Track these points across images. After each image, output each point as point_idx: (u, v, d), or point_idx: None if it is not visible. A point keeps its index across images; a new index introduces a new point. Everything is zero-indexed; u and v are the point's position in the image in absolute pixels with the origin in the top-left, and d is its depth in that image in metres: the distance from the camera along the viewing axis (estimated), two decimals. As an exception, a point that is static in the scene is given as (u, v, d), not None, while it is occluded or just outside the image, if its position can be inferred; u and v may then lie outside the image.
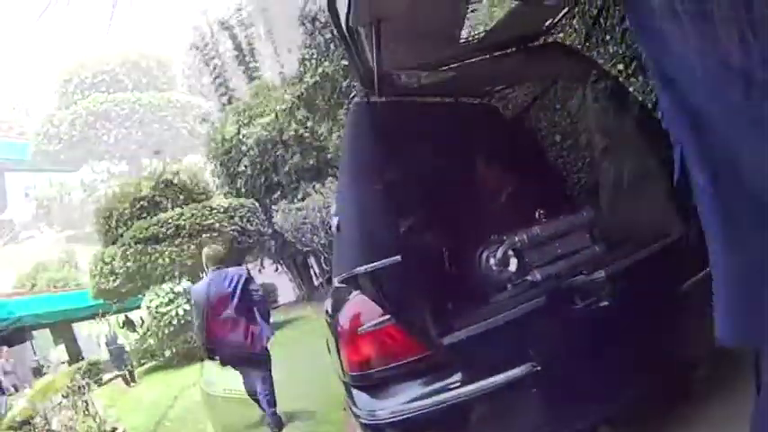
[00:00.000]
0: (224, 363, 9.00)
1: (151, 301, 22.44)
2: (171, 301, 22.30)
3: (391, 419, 3.55)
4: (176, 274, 23.07)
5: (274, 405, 8.74)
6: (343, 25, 3.76)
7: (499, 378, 3.47)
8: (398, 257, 3.36)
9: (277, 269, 34.00)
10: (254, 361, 8.69)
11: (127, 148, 21.74)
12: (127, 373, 22.93)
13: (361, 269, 3.50)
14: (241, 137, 29.55)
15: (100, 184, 20.84)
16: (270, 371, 8.83)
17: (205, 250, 9.47)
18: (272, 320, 9.63)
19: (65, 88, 24.34)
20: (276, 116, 25.56)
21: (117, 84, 23.96)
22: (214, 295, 8.57)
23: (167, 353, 22.93)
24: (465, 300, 4.05)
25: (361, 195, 3.76)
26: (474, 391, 3.47)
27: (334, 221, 4.13)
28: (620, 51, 6.39)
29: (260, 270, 30.36)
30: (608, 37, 6.53)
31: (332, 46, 15.61)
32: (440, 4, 4.01)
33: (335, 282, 4.57)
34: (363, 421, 3.72)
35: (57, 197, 48.85)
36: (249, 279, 8.82)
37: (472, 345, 3.55)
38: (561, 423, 3.76)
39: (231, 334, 8.56)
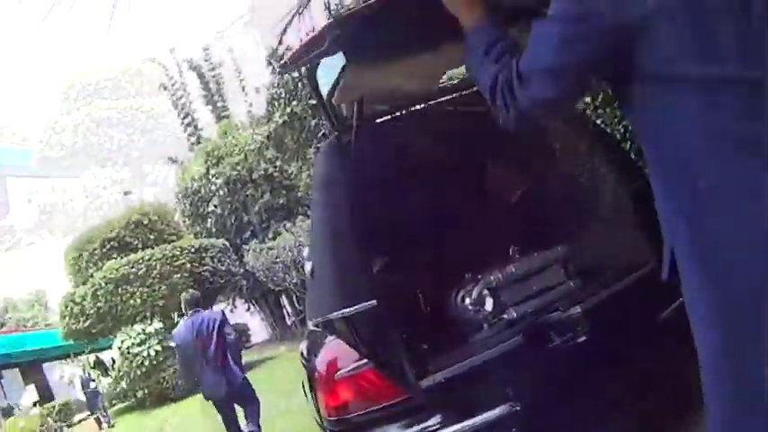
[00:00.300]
0: (206, 398, 9.73)
1: (123, 341, 22.25)
2: (143, 341, 22.11)
3: (371, 465, 3.52)
4: (148, 314, 22.93)
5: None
6: (324, 96, 3.79)
7: (478, 419, 3.44)
8: (374, 302, 3.33)
9: (249, 308, 33.79)
10: (234, 396, 9.49)
11: (129, 154, 21.34)
12: (100, 415, 22.54)
13: (337, 314, 3.47)
14: (210, 177, 29.47)
15: (102, 191, 20.60)
16: (254, 405, 9.72)
17: (183, 295, 10.16)
18: (244, 360, 10.72)
19: (67, 95, 23.81)
20: (245, 156, 25.59)
21: (119, 90, 23.53)
22: (196, 337, 9.28)
23: (139, 394, 22.64)
24: (442, 341, 4.03)
25: (333, 239, 3.74)
26: (454, 434, 3.43)
27: (308, 266, 4.10)
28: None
29: (232, 310, 30.17)
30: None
31: (300, 85, 15.62)
32: (422, 69, 4.04)
33: (310, 325, 4.53)
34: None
35: (59, 203, 47.86)
36: (224, 321, 9.64)
37: (450, 386, 3.52)
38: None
39: (209, 374, 9.33)
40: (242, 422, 9.87)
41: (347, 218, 3.59)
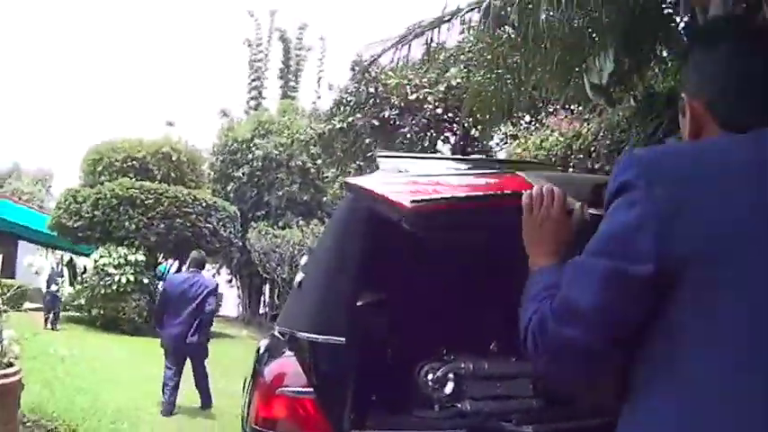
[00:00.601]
0: (163, 345, 10.68)
1: (101, 256, 22.25)
2: (120, 265, 22.12)
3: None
4: (136, 243, 22.92)
5: (207, 386, 10.88)
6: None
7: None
8: (344, 339, 3.31)
9: (231, 281, 33.85)
10: (189, 353, 10.55)
11: (147, 237, 21.20)
12: (52, 315, 22.20)
13: (305, 335, 3.45)
14: (252, 145, 29.67)
15: (113, 270, 20.64)
16: (203, 364, 10.81)
17: (193, 253, 11.36)
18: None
19: (93, 167, 23.74)
20: (292, 142, 25.73)
21: (145, 172, 23.58)
22: (184, 291, 10.42)
23: (94, 312, 22.55)
24: (390, 402, 3.97)
25: (334, 262, 3.71)
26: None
27: (299, 276, 4.08)
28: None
29: (214, 275, 30.17)
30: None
31: (370, 101, 15.71)
32: None
33: (277, 329, 4.50)
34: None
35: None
36: (212, 291, 10.70)
37: (379, 449, 3.48)
38: None
39: (176, 327, 10.33)
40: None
41: (357, 248, 3.56)
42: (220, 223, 24.71)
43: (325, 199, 27.39)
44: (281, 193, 28.80)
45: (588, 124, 7.80)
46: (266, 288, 32.24)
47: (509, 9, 5.99)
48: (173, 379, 10.46)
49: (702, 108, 1.76)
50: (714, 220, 1.58)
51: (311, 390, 3.45)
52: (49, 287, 22.25)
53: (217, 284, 11.51)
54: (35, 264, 30.58)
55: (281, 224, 27.61)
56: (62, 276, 23.61)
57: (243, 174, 29.68)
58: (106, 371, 13.92)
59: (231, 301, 33.58)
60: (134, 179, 24.01)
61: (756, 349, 1.54)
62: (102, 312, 22.42)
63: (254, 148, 29.45)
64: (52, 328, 21.54)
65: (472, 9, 6.57)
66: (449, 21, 6.61)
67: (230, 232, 25.39)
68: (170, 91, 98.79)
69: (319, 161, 24.75)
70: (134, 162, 25.34)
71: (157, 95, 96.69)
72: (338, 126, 16.18)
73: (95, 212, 23.07)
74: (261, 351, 4.58)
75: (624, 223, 1.64)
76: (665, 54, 5.63)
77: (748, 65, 1.74)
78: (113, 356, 16.48)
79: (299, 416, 3.51)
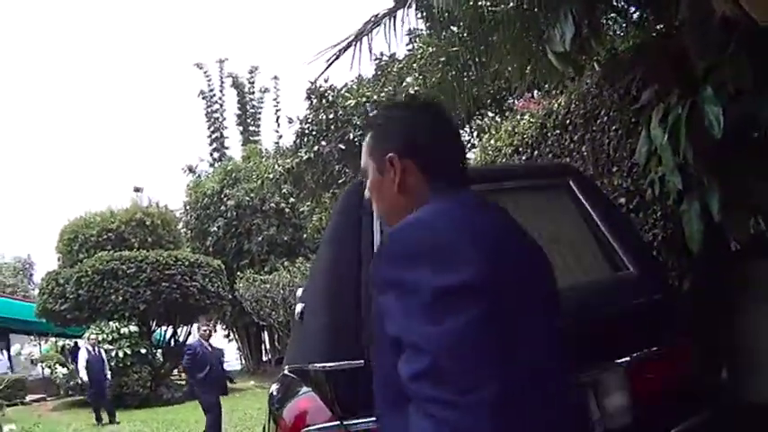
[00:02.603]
0: (199, 399, 13.25)
1: (93, 334, 21.65)
2: (114, 340, 21.70)
3: None
4: (126, 315, 22.53)
5: None
6: None
7: None
8: (361, 362, 3.05)
9: (228, 335, 33.46)
10: (206, 405, 12.74)
11: (136, 307, 20.88)
12: (104, 408, 19.98)
13: (317, 366, 3.19)
14: (222, 196, 29.44)
15: (108, 345, 20.04)
16: (216, 419, 12.53)
17: (205, 328, 14.28)
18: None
19: (69, 247, 23.55)
20: (262, 183, 25.50)
21: (122, 242, 23.37)
22: (202, 358, 12.82)
23: (96, 391, 21.60)
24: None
25: (334, 285, 3.45)
26: None
27: (298, 307, 3.84)
28: (624, 185, 6.18)
29: (211, 332, 29.69)
30: (615, 168, 6.34)
31: (333, 127, 15.53)
32: None
33: (286, 369, 4.25)
34: None
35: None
36: (220, 357, 13.79)
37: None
38: None
39: (204, 386, 12.81)
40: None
41: (357, 267, 3.32)
42: (206, 279, 24.30)
43: (305, 236, 27.12)
44: (260, 239, 28.54)
45: (557, 99, 7.65)
46: (265, 335, 31.88)
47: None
48: (217, 423, 12.65)
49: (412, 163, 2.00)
50: None
51: (338, 423, 3.19)
52: (90, 376, 20.05)
53: (223, 352, 14.72)
54: (24, 350, 29.86)
55: (266, 269, 27.31)
56: (103, 361, 20.68)
57: (218, 226, 29.40)
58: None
59: (231, 355, 33.14)
60: (112, 251, 23.66)
61: None
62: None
63: (225, 199, 29.23)
64: (110, 421, 19.31)
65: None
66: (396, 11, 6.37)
67: (218, 286, 24.96)
68: (132, 156, 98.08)
69: (292, 199, 24.55)
70: (109, 234, 25.03)
71: (120, 162, 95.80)
72: (305, 157, 15.96)
73: (79, 291, 22.64)
74: (275, 394, 4.32)
75: None
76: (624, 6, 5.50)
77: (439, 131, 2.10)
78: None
79: (330, 452, 3.24)
